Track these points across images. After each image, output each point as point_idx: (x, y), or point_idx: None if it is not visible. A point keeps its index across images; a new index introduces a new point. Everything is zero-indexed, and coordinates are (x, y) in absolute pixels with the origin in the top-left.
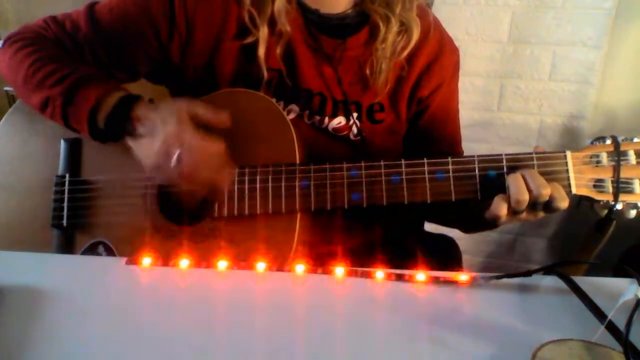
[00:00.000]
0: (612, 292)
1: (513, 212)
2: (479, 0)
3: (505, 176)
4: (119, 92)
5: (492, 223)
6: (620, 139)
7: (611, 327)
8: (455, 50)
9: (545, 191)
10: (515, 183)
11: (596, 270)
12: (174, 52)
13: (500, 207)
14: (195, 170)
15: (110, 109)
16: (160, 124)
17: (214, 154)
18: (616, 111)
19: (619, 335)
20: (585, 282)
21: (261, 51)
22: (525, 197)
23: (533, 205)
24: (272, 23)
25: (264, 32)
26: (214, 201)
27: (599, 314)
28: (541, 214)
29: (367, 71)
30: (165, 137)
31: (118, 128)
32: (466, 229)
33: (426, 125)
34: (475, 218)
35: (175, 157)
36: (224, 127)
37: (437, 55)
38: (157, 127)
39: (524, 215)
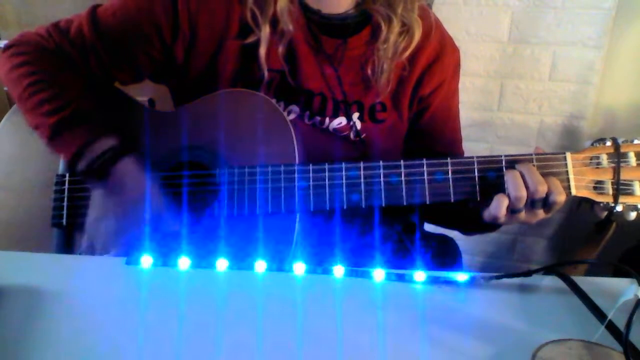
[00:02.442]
0: (612, 292)
1: (512, 210)
2: (479, 1)
3: (504, 171)
4: (106, 142)
5: (492, 225)
6: (620, 140)
7: (611, 327)
8: (455, 50)
9: (542, 187)
10: (513, 180)
11: (596, 270)
12: (177, 53)
13: (499, 206)
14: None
15: (91, 159)
16: (121, 207)
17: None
18: (616, 111)
19: (619, 335)
20: (585, 282)
21: (262, 51)
22: (524, 193)
23: (532, 202)
24: (274, 23)
25: (265, 31)
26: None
27: (599, 314)
28: (540, 213)
29: (369, 71)
30: (112, 227)
31: (96, 177)
32: (466, 230)
33: (426, 125)
34: (474, 220)
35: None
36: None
37: (438, 55)
38: (116, 208)
39: (523, 214)
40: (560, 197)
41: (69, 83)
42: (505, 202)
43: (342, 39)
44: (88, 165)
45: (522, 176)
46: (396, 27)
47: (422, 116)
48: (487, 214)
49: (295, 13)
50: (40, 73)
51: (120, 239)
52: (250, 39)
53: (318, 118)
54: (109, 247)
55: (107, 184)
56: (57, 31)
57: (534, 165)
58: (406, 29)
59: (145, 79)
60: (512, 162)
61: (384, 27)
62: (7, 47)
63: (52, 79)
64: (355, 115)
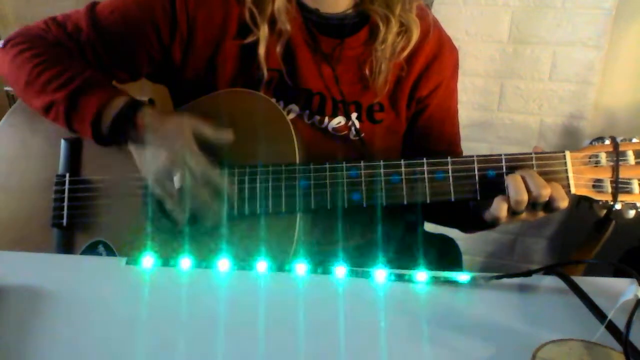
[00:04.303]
0: (612, 292)
1: (512, 212)
2: (479, 0)
3: (505, 176)
4: (123, 98)
5: (492, 223)
6: (619, 139)
7: (611, 327)
8: (454, 50)
9: (545, 191)
10: (515, 183)
11: (596, 270)
12: (175, 52)
13: (500, 208)
14: (193, 196)
15: (114, 115)
16: (166, 138)
17: (214, 183)
18: (616, 111)
19: (619, 335)
20: (585, 282)
21: (261, 50)
22: (525, 197)
23: (533, 205)
24: (272, 22)
25: (264, 31)
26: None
27: (599, 314)
28: (541, 214)
29: (367, 71)
30: (170, 155)
31: (122, 134)
32: (466, 229)
33: (425, 125)
34: (474, 218)
35: (177, 178)
36: (227, 142)
37: (436, 55)
38: (162, 140)
39: (523, 215)
40: (564, 203)
41: (73, 59)
42: (504, 207)
43: (339, 38)
44: (112, 123)
45: (524, 180)
46: (394, 27)
47: (420, 116)
48: (488, 215)
49: (292, 12)
50: (42, 55)
51: (179, 163)
52: (249, 39)
53: (317, 117)
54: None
55: (140, 132)
56: (55, 24)
57: (534, 169)
58: (404, 30)
59: (142, 78)
60: (513, 162)
61: (382, 28)
62: (6, 42)
63: (55, 57)
64: (354, 115)
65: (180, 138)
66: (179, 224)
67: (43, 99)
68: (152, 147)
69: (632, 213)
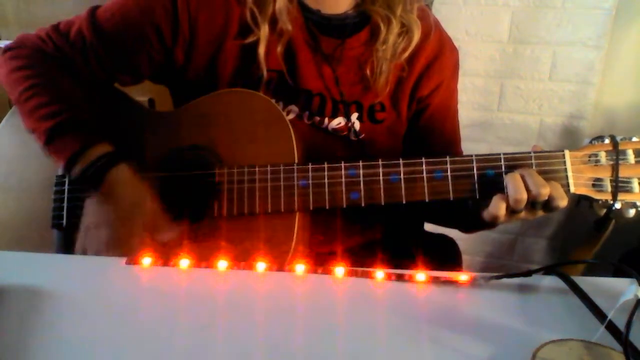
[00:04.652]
0: (612, 292)
1: (511, 211)
2: (479, 0)
3: (504, 175)
4: (100, 148)
5: (491, 223)
6: (618, 138)
7: (611, 327)
8: (454, 50)
9: (544, 190)
10: (514, 182)
11: (596, 270)
12: (177, 54)
13: (499, 207)
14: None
15: (85, 166)
16: (119, 211)
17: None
18: (616, 111)
19: (619, 335)
20: (585, 282)
21: (262, 50)
22: (524, 196)
23: (532, 204)
24: (273, 22)
25: (265, 30)
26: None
27: (599, 314)
28: (540, 213)
29: (368, 72)
30: (104, 237)
31: (90, 183)
32: (465, 228)
33: (426, 125)
34: (474, 218)
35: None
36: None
37: (436, 56)
38: (108, 217)
39: (522, 214)
40: (563, 203)
41: (66, 87)
42: (503, 205)
43: (340, 39)
44: (82, 172)
45: (523, 179)
46: (395, 28)
47: (421, 116)
48: (487, 214)
49: (293, 13)
50: (36, 77)
51: (113, 248)
52: (250, 39)
53: (317, 118)
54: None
55: (101, 191)
56: (56, 33)
57: (533, 168)
58: (405, 30)
59: (145, 80)
60: (512, 162)
61: (382, 28)
62: (6, 50)
63: (49, 83)
64: (354, 116)
65: (130, 221)
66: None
67: (28, 123)
68: (102, 210)
69: (632, 212)
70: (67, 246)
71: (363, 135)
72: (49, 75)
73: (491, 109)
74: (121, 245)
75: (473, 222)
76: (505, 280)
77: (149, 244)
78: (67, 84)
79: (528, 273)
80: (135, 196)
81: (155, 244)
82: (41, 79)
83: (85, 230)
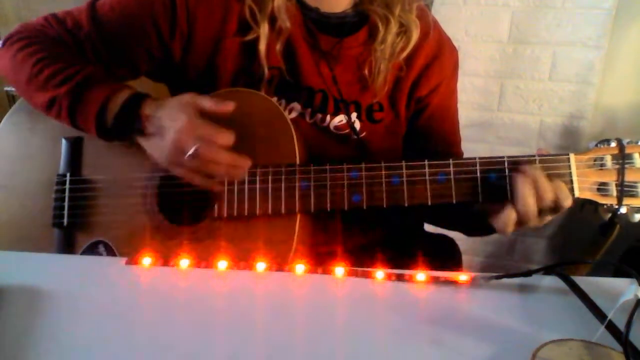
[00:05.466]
0: (612, 292)
1: (520, 222)
2: (479, 0)
3: (512, 179)
4: (126, 91)
5: (494, 228)
6: (625, 141)
7: (611, 327)
8: (454, 51)
9: (551, 196)
10: (522, 193)
11: (596, 270)
12: (175, 50)
13: (508, 222)
14: (212, 163)
15: (118, 108)
16: (170, 121)
17: (227, 146)
18: (616, 111)
19: (619, 335)
20: (585, 282)
21: (262, 47)
22: (534, 208)
23: (540, 211)
24: (273, 20)
25: (264, 28)
26: (219, 199)
27: (599, 314)
28: (548, 219)
29: (366, 71)
30: (178, 133)
31: (127, 127)
32: (469, 232)
33: (425, 125)
34: (477, 222)
35: (191, 151)
36: (228, 114)
37: (436, 56)
38: (167, 124)
39: (530, 223)
40: (568, 202)
41: (72, 55)
42: (513, 217)
43: (339, 37)
44: (117, 116)
45: (535, 186)
46: (394, 28)
47: (420, 116)
48: (496, 226)
49: (292, 10)
50: (44, 50)
51: (189, 138)
52: (249, 37)
53: (319, 115)
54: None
55: (144, 124)
56: (55, 20)
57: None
58: (404, 30)
59: (142, 76)
60: (515, 164)
61: (381, 28)
62: (5, 40)
63: (55, 53)
64: (354, 115)
65: (182, 117)
66: (209, 188)
67: (45, 95)
68: (159, 133)
69: (637, 217)
70: (67, 245)
71: (363, 134)
72: (54, 47)
73: (491, 109)
74: (206, 130)
75: (477, 226)
76: (505, 280)
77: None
78: (71, 54)
79: (528, 273)
80: (176, 103)
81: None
82: (48, 51)
83: (174, 162)
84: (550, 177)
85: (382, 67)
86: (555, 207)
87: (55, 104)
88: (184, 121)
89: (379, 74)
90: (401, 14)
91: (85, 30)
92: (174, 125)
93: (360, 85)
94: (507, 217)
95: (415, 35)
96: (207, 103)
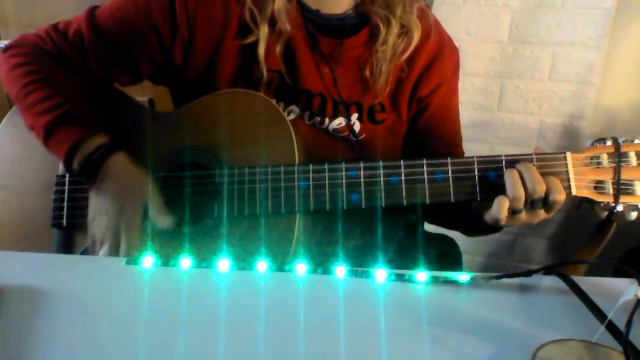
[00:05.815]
0: (612, 292)
1: (512, 212)
2: (479, 0)
3: (505, 172)
4: (99, 139)
5: (494, 227)
6: (620, 140)
7: (611, 327)
8: (454, 51)
9: (540, 187)
10: (511, 180)
11: (596, 270)
12: (176, 54)
13: (500, 208)
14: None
15: (85, 155)
16: (118, 197)
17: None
18: (616, 111)
19: (619, 335)
20: (585, 282)
21: (261, 50)
22: (521, 193)
23: (531, 203)
24: (273, 22)
25: (264, 30)
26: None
27: (599, 314)
28: (542, 214)
29: (367, 72)
30: (113, 218)
31: (88, 175)
32: (468, 232)
33: (426, 125)
34: (477, 221)
35: (104, 249)
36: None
37: (436, 56)
38: (113, 199)
39: (523, 215)
40: (560, 196)
41: (66, 83)
42: (506, 203)
43: (339, 39)
44: (81, 163)
45: (521, 175)
46: (395, 28)
47: (421, 116)
48: (489, 216)
49: (293, 13)
50: (36, 73)
51: (116, 236)
52: (249, 39)
53: (318, 118)
54: (109, 245)
55: (101, 181)
56: (55, 33)
57: (533, 165)
58: (405, 31)
59: (144, 80)
60: (512, 162)
61: (382, 29)
62: (7, 48)
63: (49, 79)
64: (355, 116)
65: (130, 206)
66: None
67: (27, 119)
68: (103, 199)
69: (634, 215)
70: (67, 246)
71: (363, 135)
72: (49, 71)
73: (491, 109)
74: (125, 232)
75: (476, 226)
76: (505, 280)
77: (150, 234)
78: (66, 80)
79: (528, 273)
80: (133, 183)
81: (155, 235)
82: (40, 75)
83: (91, 222)
84: (545, 174)
85: (384, 68)
86: (548, 201)
87: (34, 131)
88: (114, 213)
89: (380, 75)
90: (402, 15)
91: (86, 39)
92: (117, 208)
93: (362, 86)
94: (500, 202)
95: (416, 36)
96: (154, 210)
